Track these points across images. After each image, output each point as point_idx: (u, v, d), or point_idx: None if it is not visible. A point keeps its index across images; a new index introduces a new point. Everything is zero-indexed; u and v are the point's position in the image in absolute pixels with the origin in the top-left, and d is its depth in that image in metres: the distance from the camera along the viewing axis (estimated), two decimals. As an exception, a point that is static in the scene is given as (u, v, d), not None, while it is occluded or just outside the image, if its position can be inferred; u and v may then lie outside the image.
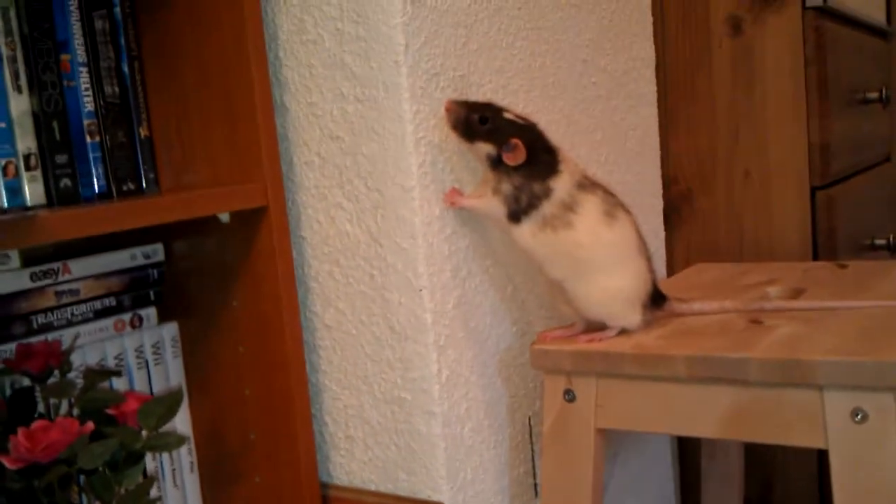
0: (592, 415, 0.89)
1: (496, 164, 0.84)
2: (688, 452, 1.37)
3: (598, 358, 0.87)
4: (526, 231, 0.85)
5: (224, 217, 0.91)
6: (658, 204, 1.32)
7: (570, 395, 0.90)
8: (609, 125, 1.18)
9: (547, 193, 0.84)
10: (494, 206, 0.85)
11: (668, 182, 1.33)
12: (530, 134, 0.85)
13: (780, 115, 1.23)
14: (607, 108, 1.17)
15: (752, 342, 0.82)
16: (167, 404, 0.81)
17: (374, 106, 0.86)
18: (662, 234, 1.33)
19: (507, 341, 0.99)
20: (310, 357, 0.97)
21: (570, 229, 0.84)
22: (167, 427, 0.81)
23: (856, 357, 0.74)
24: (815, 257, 1.23)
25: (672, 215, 1.33)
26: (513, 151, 0.83)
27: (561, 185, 0.84)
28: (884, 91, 1.43)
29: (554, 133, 1.05)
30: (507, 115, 0.85)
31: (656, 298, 0.91)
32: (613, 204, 0.87)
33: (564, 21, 1.07)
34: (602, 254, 0.86)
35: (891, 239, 1.43)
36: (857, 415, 0.74)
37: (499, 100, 0.96)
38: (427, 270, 0.87)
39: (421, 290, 0.87)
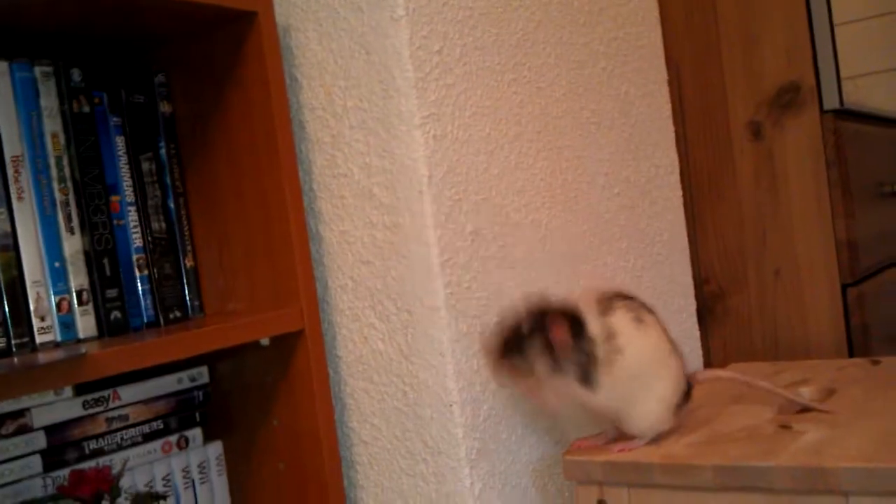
0: (626, 524, 0.89)
1: (553, 357, 0.85)
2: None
3: (629, 468, 0.88)
4: (605, 386, 0.86)
5: (264, 341, 0.96)
6: (690, 305, 1.33)
7: (603, 505, 0.91)
8: (635, 232, 1.22)
9: (593, 341, 0.86)
10: (572, 387, 0.86)
11: (700, 282, 1.35)
12: (558, 311, 0.86)
13: (806, 215, 1.25)
14: (632, 216, 1.21)
15: (778, 449, 0.83)
16: (210, 526, 0.84)
17: (401, 232, 0.92)
18: (697, 333, 1.34)
19: (540, 451, 1.00)
20: (347, 472, 1.00)
21: (620, 354, 0.86)
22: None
23: (879, 464, 0.74)
24: (851, 354, 1.24)
25: (706, 316, 1.35)
26: (559, 337, 0.84)
27: (593, 325, 0.86)
28: (910, 183, 1.45)
29: (578, 245, 1.09)
30: (528, 321, 0.85)
31: (687, 393, 0.92)
32: (636, 308, 0.89)
33: (585, 138, 1.13)
34: (647, 362, 0.88)
35: (931, 330, 1.42)
36: (885, 522, 0.74)
37: (521, 218, 1.01)
38: (457, 386, 0.91)
39: (451, 406, 0.91)
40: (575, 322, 0.86)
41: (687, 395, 0.92)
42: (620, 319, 0.87)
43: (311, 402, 0.94)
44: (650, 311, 0.90)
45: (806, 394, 1.03)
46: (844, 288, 1.23)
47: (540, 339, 0.84)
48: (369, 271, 0.95)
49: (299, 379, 0.95)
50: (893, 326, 1.38)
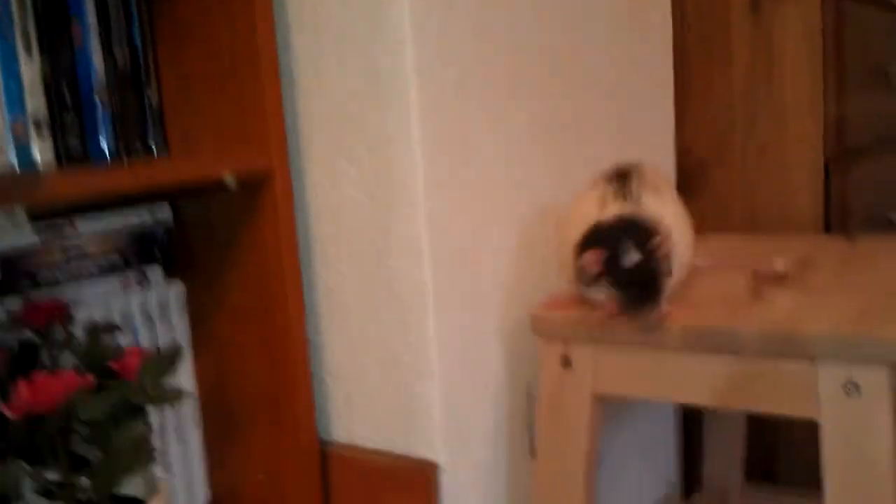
0: (589, 381, 0.89)
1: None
2: (691, 421, 1.38)
3: (595, 325, 0.87)
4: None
5: (231, 181, 0.92)
6: (672, 173, 1.31)
7: (567, 362, 0.90)
8: (622, 94, 1.17)
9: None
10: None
11: (682, 152, 1.32)
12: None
13: (798, 92, 1.21)
14: (620, 77, 1.16)
15: (748, 314, 0.82)
16: (167, 359, 0.82)
17: (380, 76, 0.87)
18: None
19: (509, 307, 0.99)
20: (313, 318, 0.98)
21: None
22: (170, 383, 0.82)
23: (850, 330, 0.74)
24: (828, 230, 1.22)
25: (686, 185, 1.32)
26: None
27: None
28: (907, 64, 1.40)
29: (566, 104, 1.05)
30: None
31: None
32: (644, 178, 0.86)
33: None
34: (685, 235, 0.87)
35: (908, 215, 1.41)
36: (850, 387, 0.74)
37: (509, 74, 0.96)
38: (428, 235, 0.88)
39: (421, 254, 0.88)
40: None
41: None
42: (649, 202, 0.84)
43: (277, 246, 0.91)
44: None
45: (781, 264, 1.02)
46: (828, 167, 1.21)
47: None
48: (344, 114, 0.90)
49: (265, 221, 0.91)
50: (873, 208, 1.36)
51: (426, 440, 0.92)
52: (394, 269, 0.90)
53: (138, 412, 0.81)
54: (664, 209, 0.83)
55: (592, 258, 0.79)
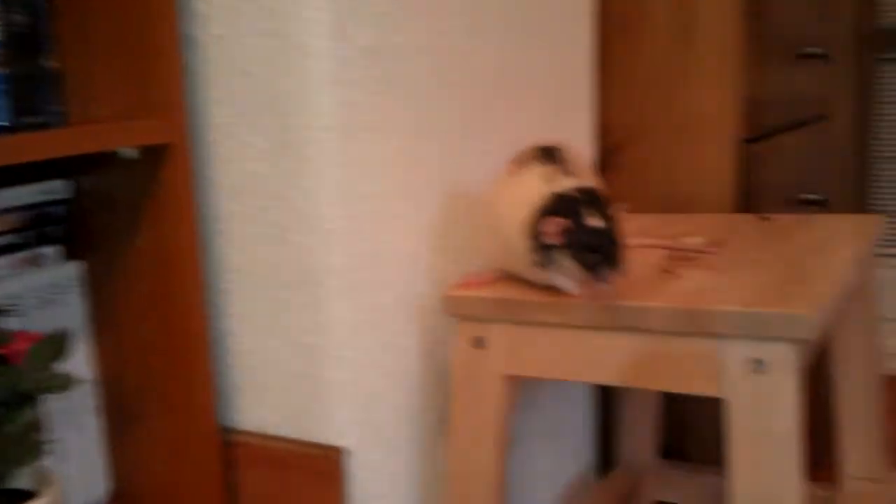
0: (501, 362, 0.88)
1: None
2: (607, 401, 1.38)
3: (510, 305, 0.86)
4: None
5: (132, 153, 0.88)
6: (591, 152, 1.30)
7: (480, 342, 0.89)
8: (542, 72, 1.16)
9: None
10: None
11: (603, 131, 1.31)
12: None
13: (716, 67, 1.21)
14: (540, 54, 1.15)
15: (658, 291, 0.81)
16: (56, 344, 0.78)
17: (287, 41, 0.83)
18: (594, 184, 1.31)
19: (422, 287, 0.97)
20: (215, 300, 0.95)
21: None
22: (66, 369, 0.79)
23: (755, 308, 0.73)
24: (743, 210, 1.23)
25: (604, 164, 1.32)
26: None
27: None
28: (824, 47, 1.42)
29: (485, 79, 1.03)
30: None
31: None
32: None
33: (492, -40, 1.04)
34: None
35: (822, 194, 1.44)
36: (755, 365, 0.74)
37: (425, 42, 0.93)
38: (337, 213, 0.85)
39: (330, 233, 0.85)
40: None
41: None
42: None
43: (178, 223, 0.87)
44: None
45: (694, 243, 1.02)
46: (743, 144, 1.22)
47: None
48: (249, 83, 0.87)
49: (166, 197, 0.87)
50: (791, 187, 1.38)
51: (335, 425, 0.90)
52: (300, 247, 0.87)
53: (27, 400, 0.77)
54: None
55: (554, 227, 0.78)
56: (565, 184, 0.80)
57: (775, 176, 1.31)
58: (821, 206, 1.44)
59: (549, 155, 0.84)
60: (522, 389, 1.16)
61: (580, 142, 1.28)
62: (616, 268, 0.76)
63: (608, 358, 0.82)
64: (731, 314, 0.74)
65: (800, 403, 0.74)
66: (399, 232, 0.93)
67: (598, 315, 0.80)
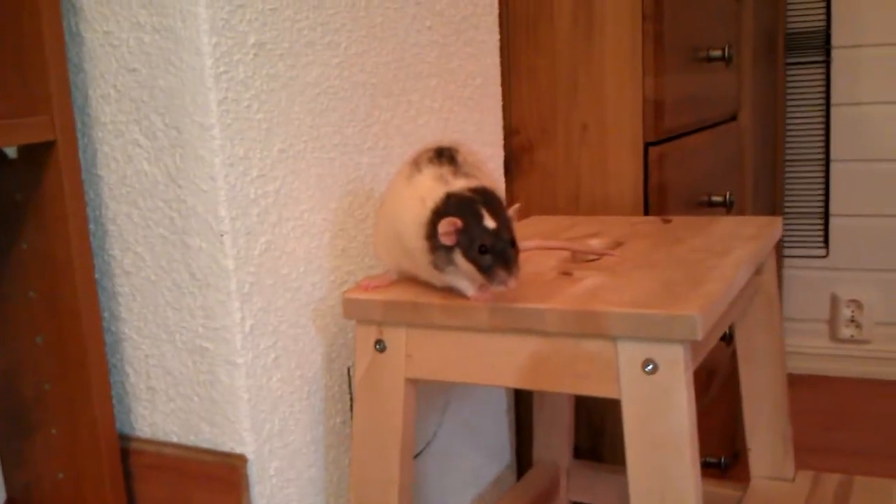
0: (402, 365, 0.87)
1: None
2: (523, 401, 1.38)
3: (408, 308, 0.85)
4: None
5: (11, 152, 0.84)
6: (498, 155, 1.30)
7: (380, 346, 0.88)
8: (446, 72, 1.15)
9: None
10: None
11: (510, 132, 1.31)
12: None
13: (617, 69, 1.23)
14: (443, 54, 1.14)
15: (554, 293, 0.81)
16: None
17: (172, 37, 0.81)
18: (503, 184, 1.32)
19: (323, 290, 0.96)
20: (109, 304, 0.92)
21: None
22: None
23: (646, 310, 0.74)
24: (647, 212, 1.25)
25: (513, 166, 1.32)
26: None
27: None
28: (727, 49, 1.45)
29: (379, 76, 1.02)
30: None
31: None
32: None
33: (395, -41, 1.03)
34: None
35: (727, 196, 1.46)
36: (648, 366, 0.75)
37: (316, 37, 0.92)
38: (229, 214, 0.83)
39: (222, 235, 0.83)
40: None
41: None
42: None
43: (64, 224, 0.84)
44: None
45: (595, 246, 1.03)
46: (647, 147, 1.23)
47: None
48: (135, 80, 0.84)
49: (51, 197, 0.84)
50: (697, 190, 1.40)
51: (233, 432, 0.88)
52: (194, 250, 0.85)
53: None
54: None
55: (448, 227, 0.77)
56: (459, 184, 0.80)
57: (681, 178, 1.33)
58: (727, 207, 1.47)
59: (443, 155, 0.83)
60: (437, 392, 1.16)
61: (489, 142, 1.28)
62: (510, 269, 0.76)
63: (506, 360, 0.81)
64: (622, 315, 0.74)
65: (691, 402, 0.75)
66: (295, 233, 0.91)
67: (494, 318, 0.80)
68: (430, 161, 0.83)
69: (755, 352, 1.16)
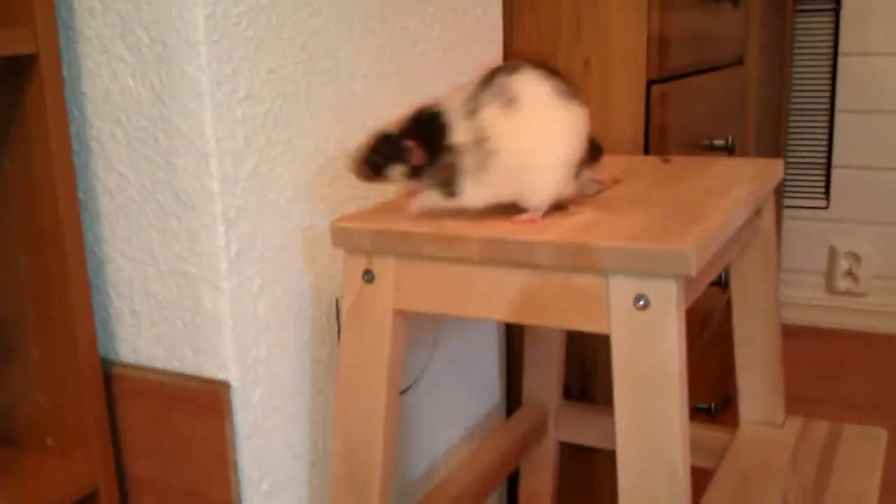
0: (391, 296, 0.85)
1: (413, 174, 0.83)
2: (514, 338, 1.38)
3: (398, 238, 0.83)
4: (471, 192, 0.82)
5: (-13, 65, 0.81)
6: (497, 89, 1.27)
7: (369, 276, 0.86)
8: (445, 0, 1.12)
9: (456, 151, 0.81)
10: (434, 197, 0.84)
11: (511, 67, 1.28)
12: (415, 128, 0.82)
13: (623, 4, 1.19)
14: (443, -19, 1.11)
15: (548, 227, 0.79)
16: None
17: (158, -54, 0.78)
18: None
19: (313, 219, 0.94)
20: (92, 226, 0.90)
21: (497, 156, 0.80)
22: None
23: (639, 244, 0.72)
24: (647, 152, 1.22)
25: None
26: (413, 154, 0.81)
27: (460, 133, 0.81)
28: (736, -10, 1.41)
29: (379, 4, 0.98)
30: (390, 132, 0.83)
31: (592, 147, 0.86)
32: (503, 86, 0.81)
33: None
34: (527, 146, 0.81)
35: (729, 140, 1.44)
36: (640, 301, 0.73)
37: (310, -45, 0.88)
38: (215, 135, 0.81)
39: (208, 156, 0.81)
40: (434, 136, 0.81)
41: (593, 148, 0.85)
42: (488, 115, 0.80)
43: (46, 142, 0.82)
44: (522, 71, 0.82)
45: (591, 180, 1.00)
46: (650, 85, 1.20)
47: (398, 159, 0.82)
48: (120, -8, 0.81)
49: (32, 114, 0.81)
50: (699, 131, 1.38)
51: (217, 358, 0.86)
52: (178, 170, 0.83)
53: None
54: (506, 121, 0.80)
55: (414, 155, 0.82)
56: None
57: (683, 119, 1.30)
58: (728, 151, 1.44)
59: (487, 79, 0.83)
60: (427, 327, 1.15)
61: (488, 77, 1.24)
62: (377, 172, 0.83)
63: (496, 293, 0.80)
64: (614, 249, 0.72)
65: (682, 341, 0.74)
66: (284, 158, 0.89)
67: (485, 249, 0.78)
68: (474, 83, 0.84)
69: (750, 296, 1.15)
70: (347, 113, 0.97)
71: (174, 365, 0.89)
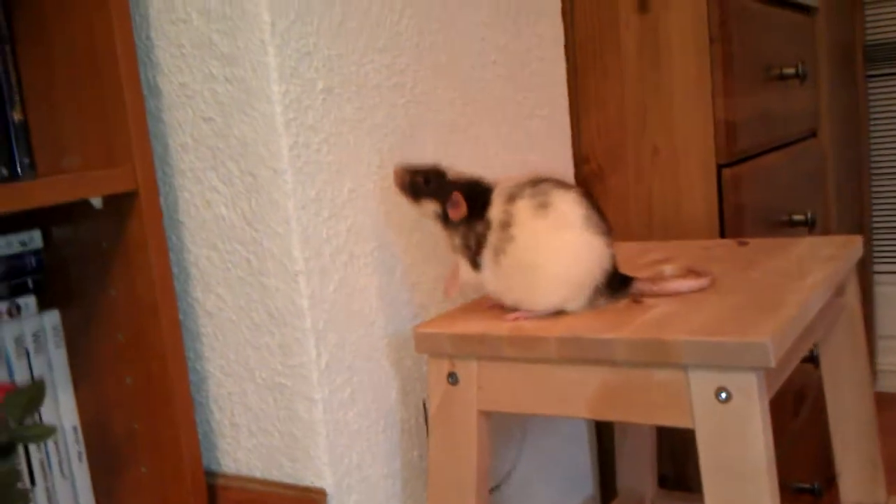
0: (474, 397, 0.88)
1: (445, 221, 0.87)
2: (604, 430, 1.37)
3: (478, 341, 0.86)
4: (488, 274, 0.86)
5: (96, 202, 0.89)
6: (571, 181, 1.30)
7: (453, 378, 0.89)
8: (512, 104, 1.17)
9: (487, 225, 0.85)
10: (466, 269, 0.88)
11: (580, 161, 1.32)
12: (469, 186, 0.87)
13: (686, 92, 1.22)
14: (509, 87, 1.16)
15: (624, 323, 0.81)
16: (30, 394, 0.79)
17: (243, 87, 0.84)
18: (575, 213, 1.31)
19: (397, 325, 0.97)
20: (193, 344, 0.95)
21: (512, 243, 0.84)
22: (49, 418, 0.79)
23: (718, 337, 0.73)
24: (723, 235, 1.23)
25: (585, 194, 1.32)
26: (455, 206, 0.85)
27: (495, 210, 0.85)
28: (800, 66, 1.42)
29: (446, 114, 1.03)
30: (449, 176, 0.87)
31: (615, 280, 0.87)
32: (545, 191, 0.85)
33: (458, -2, 1.06)
34: (539, 248, 0.84)
35: (809, 215, 1.43)
36: (721, 394, 0.74)
37: (382, 80, 0.94)
38: (303, 255, 0.86)
39: (297, 275, 0.86)
40: (478, 201, 0.85)
41: (616, 283, 0.87)
42: (521, 207, 0.84)
43: (149, 270, 0.88)
44: (567, 189, 0.86)
45: (668, 272, 1.02)
46: (720, 168, 1.22)
47: (440, 198, 0.86)
48: (210, 129, 0.88)
49: (135, 245, 0.88)
50: (775, 209, 1.38)
51: (312, 466, 0.90)
52: (270, 289, 0.88)
53: (5, 451, 0.78)
54: (533, 219, 0.83)
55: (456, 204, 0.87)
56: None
57: (758, 198, 1.31)
58: (808, 226, 1.44)
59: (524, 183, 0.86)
60: (514, 424, 1.16)
61: (559, 171, 1.28)
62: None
63: (576, 391, 0.81)
64: (692, 343, 0.74)
65: (767, 431, 0.74)
66: (366, 270, 0.93)
67: (562, 348, 0.80)
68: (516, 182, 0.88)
69: (840, 374, 1.13)
70: (423, 221, 1.01)
71: (273, 474, 0.93)
